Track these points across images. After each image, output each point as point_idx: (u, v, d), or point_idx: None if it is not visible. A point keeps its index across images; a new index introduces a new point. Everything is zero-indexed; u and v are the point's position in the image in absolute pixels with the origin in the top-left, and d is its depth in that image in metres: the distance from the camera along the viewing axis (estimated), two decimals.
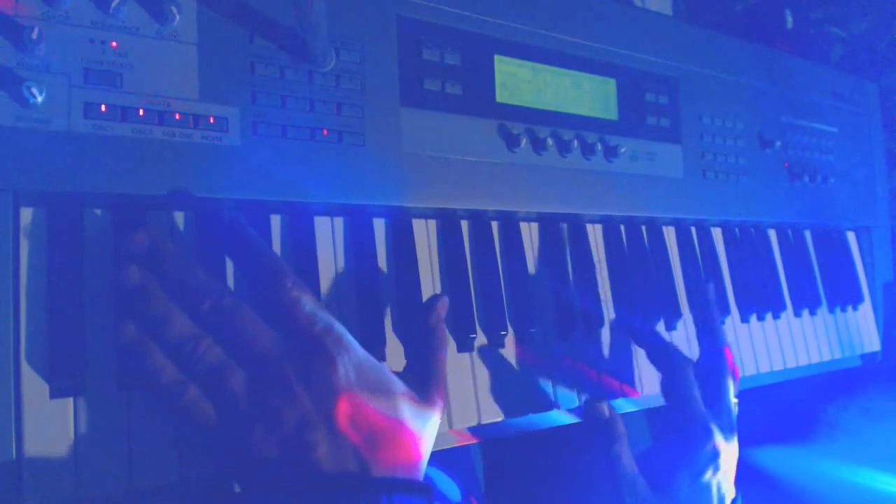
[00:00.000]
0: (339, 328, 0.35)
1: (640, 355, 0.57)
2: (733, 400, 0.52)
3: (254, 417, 0.32)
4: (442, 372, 0.40)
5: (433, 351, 0.40)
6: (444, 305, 0.43)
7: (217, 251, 0.40)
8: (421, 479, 0.36)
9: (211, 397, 0.32)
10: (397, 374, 0.38)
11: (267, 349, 0.33)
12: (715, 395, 0.50)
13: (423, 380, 0.39)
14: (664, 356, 0.52)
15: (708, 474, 0.47)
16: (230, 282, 0.40)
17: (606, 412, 0.48)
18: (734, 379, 0.52)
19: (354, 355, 0.35)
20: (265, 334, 0.33)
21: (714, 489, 0.47)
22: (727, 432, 0.49)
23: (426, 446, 0.37)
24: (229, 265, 0.40)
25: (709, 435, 0.47)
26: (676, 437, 0.49)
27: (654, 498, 0.45)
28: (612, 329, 0.56)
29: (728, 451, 0.48)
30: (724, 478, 0.48)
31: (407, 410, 0.36)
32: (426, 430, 0.37)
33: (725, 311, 0.65)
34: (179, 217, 0.39)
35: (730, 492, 0.49)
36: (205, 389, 0.32)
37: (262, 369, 0.32)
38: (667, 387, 0.51)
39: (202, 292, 0.33)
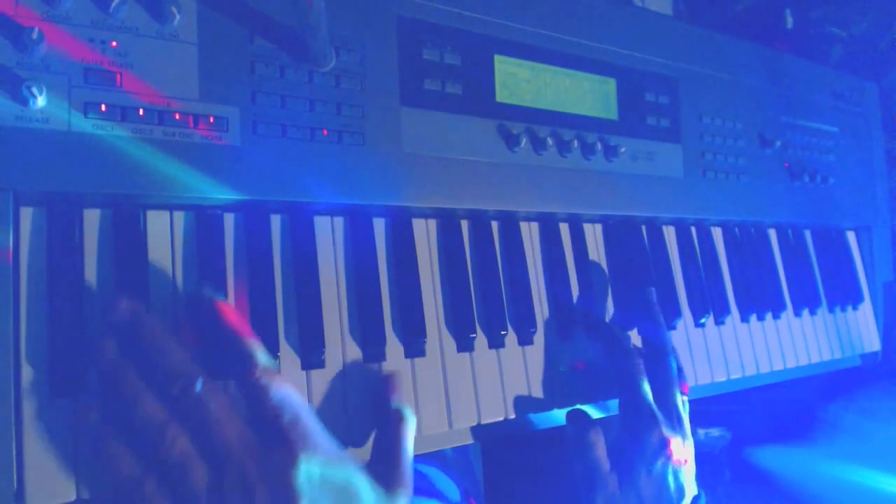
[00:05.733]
0: (307, 421, 0.34)
1: None
2: (682, 398, 0.53)
3: None
4: (407, 455, 0.39)
5: (397, 433, 0.40)
6: (400, 382, 0.42)
7: (218, 254, 0.40)
8: None
9: (170, 490, 0.31)
10: (365, 463, 0.37)
11: (231, 442, 0.32)
12: (659, 393, 0.51)
13: (389, 468, 0.38)
14: (617, 349, 0.53)
15: (659, 463, 0.48)
16: (231, 284, 0.40)
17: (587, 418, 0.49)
18: (681, 384, 0.54)
19: (321, 451, 0.33)
20: (231, 426, 0.32)
21: (670, 480, 0.48)
22: (675, 427, 0.50)
23: None
24: (229, 267, 0.40)
25: (655, 424, 0.49)
26: (628, 429, 0.50)
27: (621, 494, 0.47)
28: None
29: (678, 445, 0.49)
30: (679, 471, 0.49)
31: None
32: None
33: (726, 310, 0.65)
34: (179, 217, 0.39)
35: (690, 488, 0.50)
36: (165, 481, 0.31)
37: (224, 464, 0.31)
38: (618, 379, 0.52)
39: (174, 374, 0.32)
